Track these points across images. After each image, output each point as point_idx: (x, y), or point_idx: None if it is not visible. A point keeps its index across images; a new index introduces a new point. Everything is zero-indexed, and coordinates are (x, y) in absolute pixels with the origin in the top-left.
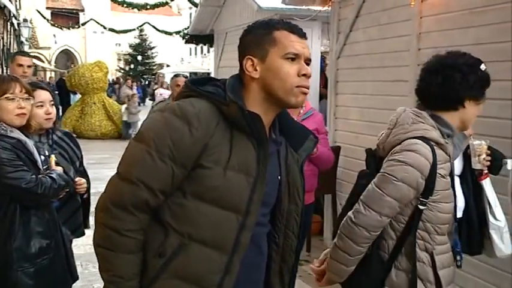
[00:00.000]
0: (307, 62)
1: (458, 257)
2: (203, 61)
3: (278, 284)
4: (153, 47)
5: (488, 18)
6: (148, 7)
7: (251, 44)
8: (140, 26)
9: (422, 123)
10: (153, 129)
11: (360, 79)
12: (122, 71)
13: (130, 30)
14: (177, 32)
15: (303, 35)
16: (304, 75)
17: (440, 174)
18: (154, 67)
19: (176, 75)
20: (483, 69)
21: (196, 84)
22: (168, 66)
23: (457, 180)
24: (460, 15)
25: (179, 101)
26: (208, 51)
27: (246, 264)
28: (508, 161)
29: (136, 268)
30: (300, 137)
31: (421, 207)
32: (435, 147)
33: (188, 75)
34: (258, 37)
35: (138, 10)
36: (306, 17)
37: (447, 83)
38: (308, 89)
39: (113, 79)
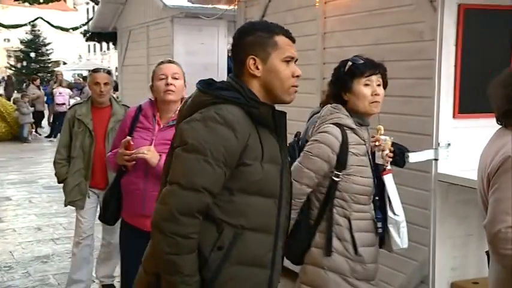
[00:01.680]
0: (295, 62)
1: (379, 225)
2: (103, 58)
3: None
4: (48, 43)
5: (386, 20)
6: (41, 1)
7: (254, 45)
8: (32, 21)
9: (337, 112)
10: (205, 139)
11: None
12: (13, 69)
13: (21, 25)
14: (74, 28)
15: (294, 40)
16: (297, 76)
17: (352, 152)
18: (50, 65)
19: (95, 71)
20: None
21: (216, 90)
22: (65, 63)
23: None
24: (360, 16)
25: (213, 109)
26: (108, 49)
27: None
28: (410, 154)
29: (197, 263)
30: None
31: (335, 178)
32: (347, 130)
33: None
34: (260, 39)
35: (30, 4)
36: (212, 15)
37: None
38: (297, 87)
39: (3, 77)
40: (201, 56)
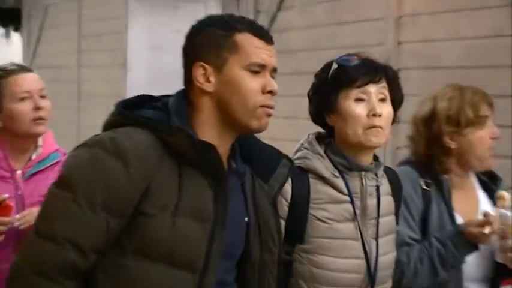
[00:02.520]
0: (273, 74)
1: None
2: None
3: None
4: None
5: None
6: None
7: (205, 47)
8: None
9: (305, 149)
10: (79, 171)
11: (300, 92)
12: None
13: None
14: None
15: (270, 40)
16: (269, 92)
17: (315, 216)
18: None
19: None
20: None
21: (130, 108)
22: None
23: None
24: None
25: (111, 132)
26: (7, 36)
27: None
28: None
29: None
30: (270, 163)
31: (286, 257)
32: (314, 180)
33: None
34: (214, 39)
35: None
36: None
37: None
38: (273, 109)
39: None
40: (175, 53)
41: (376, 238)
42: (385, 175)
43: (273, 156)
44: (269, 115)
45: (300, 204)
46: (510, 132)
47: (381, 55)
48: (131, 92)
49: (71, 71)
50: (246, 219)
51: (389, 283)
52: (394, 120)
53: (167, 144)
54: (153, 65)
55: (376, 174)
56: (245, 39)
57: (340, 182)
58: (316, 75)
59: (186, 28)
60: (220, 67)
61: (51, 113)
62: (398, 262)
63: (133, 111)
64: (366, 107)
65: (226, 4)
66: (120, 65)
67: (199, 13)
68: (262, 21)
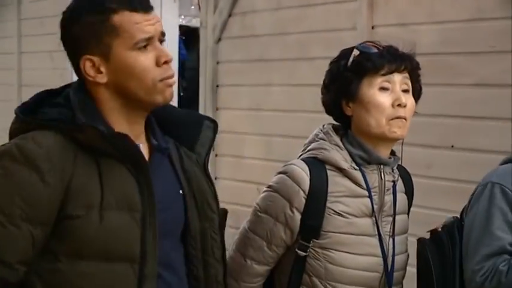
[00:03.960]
0: (162, 38)
1: None
2: None
3: None
4: None
5: None
6: None
7: (85, 39)
8: None
9: (322, 140)
10: None
11: (262, 81)
12: None
13: None
14: None
15: (148, 7)
16: (165, 62)
17: (333, 210)
18: None
19: None
20: None
21: (30, 112)
22: None
23: None
24: None
25: (16, 140)
26: None
27: None
28: None
29: None
30: (192, 128)
31: (300, 253)
32: (332, 172)
33: None
34: (91, 28)
35: None
36: None
37: None
38: (173, 77)
39: None
40: None
41: (393, 236)
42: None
43: (194, 121)
44: (170, 85)
45: (318, 196)
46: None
47: (353, 40)
48: None
49: (11, 58)
50: (181, 191)
51: (401, 286)
52: (415, 113)
53: (78, 141)
54: None
55: (392, 169)
56: (122, 18)
57: (358, 175)
58: (333, 63)
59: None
60: (107, 55)
61: None
62: (495, 270)
63: (34, 114)
64: (391, 97)
65: None
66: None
67: None
68: (223, 2)
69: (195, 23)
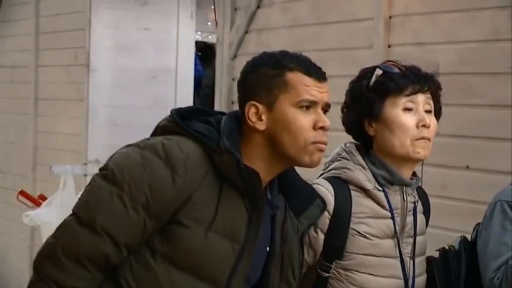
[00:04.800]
0: (326, 108)
1: None
2: None
3: None
4: None
5: None
6: None
7: (257, 87)
8: None
9: (345, 159)
10: (129, 169)
11: None
12: None
13: None
14: None
15: (322, 77)
16: (321, 128)
17: (356, 230)
18: None
19: None
20: None
21: (184, 119)
22: None
23: None
24: None
25: (163, 138)
26: None
27: None
28: None
29: None
30: (305, 200)
31: (322, 273)
32: (356, 192)
33: None
34: (265, 79)
35: None
36: None
37: None
38: (326, 144)
39: None
40: (145, 53)
41: (413, 257)
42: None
43: (309, 194)
44: (321, 150)
45: (342, 217)
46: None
47: (369, 58)
48: (94, 95)
49: (28, 72)
50: (268, 248)
51: None
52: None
53: (213, 162)
54: (118, 65)
55: (413, 190)
56: (295, 77)
57: (382, 196)
58: (354, 82)
59: (155, 25)
60: (272, 105)
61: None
62: (508, 267)
63: (186, 122)
64: (415, 117)
65: (201, 0)
66: (82, 65)
67: (170, 9)
68: (240, 19)
69: (211, 39)
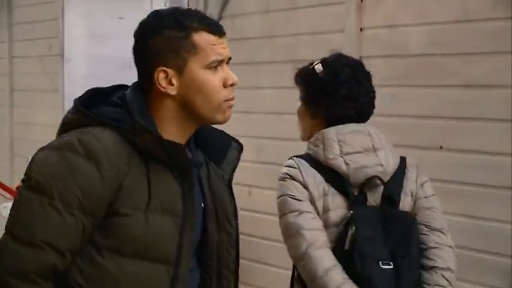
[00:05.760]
0: (228, 61)
1: None
2: None
3: None
4: None
5: None
6: None
7: (163, 51)
8: None
9: None
10: (54, 174)
11: (252, 84)
12: None
13: None
14: None
15: (222, 32)
16: (231, 85)
17: None
18: None
19: None
20: None
21: (89, 106)
22: None
23: None
24: None
25: (76, 133)
26: None
27: None
28: None
29: None
30: (221, 147)
31: None
32: None
33: None
34: (171, 42)
35: None
36: None
37: None
38: (234, 100)
39: None
40: (119, 42)
41: None
42: None
43: (224, 140)
44: (231, 107)
45: None
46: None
47: (341, 42)
48: (69, 85)
49: (2, 63)
50: (203, 205)
51: None
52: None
53: (133, 144)
54: (93, 54)
55: None
56: (202, 38)
57: None
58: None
59: (129, 14)
60: (181, 69)
61: None
62: None
63: (92, 110)
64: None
65: None
66: (56, 55)
67: None
68: (213, 5)
69: None
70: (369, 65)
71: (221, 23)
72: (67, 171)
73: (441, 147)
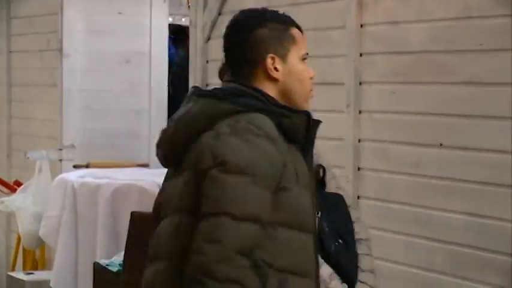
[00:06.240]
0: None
1: None
2: None
3: None
4: None
5: None
6: None
7: (271, 40)
8: None
9: None
10: (246, 156)
11: None
12: None
13: None
14: None
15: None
16: (311, 78)
17: None
18: None
19: None
20: None
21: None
22: None
23: None
24: None
25: (245, 119)
26: None
27: None
28: None
29: None
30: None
31: None
32: None
33: None
34: (276, 33)
35: None
36: None
37: None
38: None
39: None
40: (118, 37)
41: None
42: None
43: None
44: (312, 97)
45: None
46: (486, 123)
47: (342, 38)
48: (68, 80)
49: (0, 57)
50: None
51: None
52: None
53: (280, 126)
54: (92, 49)
55: None
56: (297, 32)
57: None
58: None
59: (128, 9)
60: (285, 57)
61: None
62: None
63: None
64: None
65: None
66: (55, 50)
67: None
68: (213, 1)
69: (184, 21)
70: (370, 62)
71: (221, 19)
72: (257, 152)
73: (441, 145)
